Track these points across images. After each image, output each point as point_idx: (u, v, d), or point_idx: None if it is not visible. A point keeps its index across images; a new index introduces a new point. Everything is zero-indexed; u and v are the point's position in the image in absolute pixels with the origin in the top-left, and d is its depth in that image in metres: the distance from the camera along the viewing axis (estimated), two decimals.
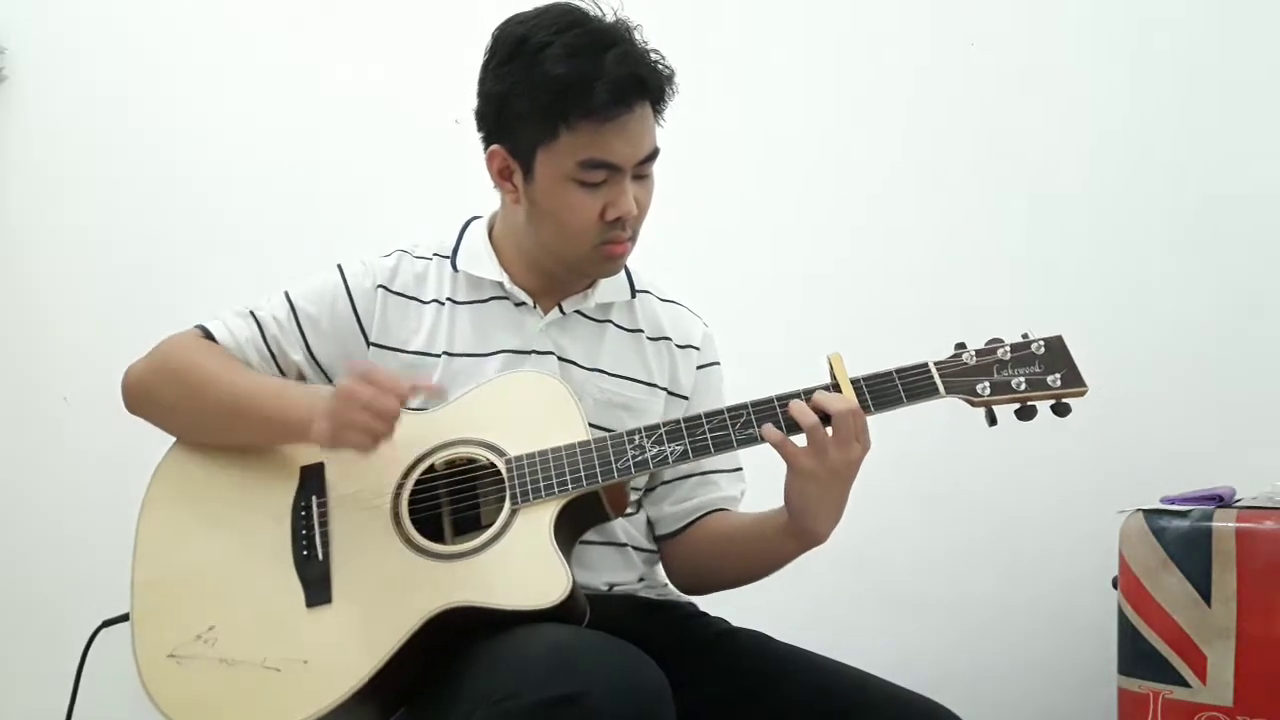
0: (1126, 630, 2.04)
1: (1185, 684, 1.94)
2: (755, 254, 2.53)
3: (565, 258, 1.52)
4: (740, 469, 1.66)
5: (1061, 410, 1.39)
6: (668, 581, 1.65)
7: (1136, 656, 2.01)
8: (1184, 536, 1.96)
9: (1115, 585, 2.08)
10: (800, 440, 1.37)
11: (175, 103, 2.48)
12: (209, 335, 1.53)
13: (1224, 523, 1.93)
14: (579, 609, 1.33)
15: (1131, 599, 2.02)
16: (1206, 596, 1.93)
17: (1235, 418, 2.44)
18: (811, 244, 2.55)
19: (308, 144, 2.48)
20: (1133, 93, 2.57)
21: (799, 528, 1.44)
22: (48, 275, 2.46)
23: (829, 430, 1.36)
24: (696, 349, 1.65)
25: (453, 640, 1.30)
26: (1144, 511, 2.03)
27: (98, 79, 2.46)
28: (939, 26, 2.59)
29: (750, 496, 1.66)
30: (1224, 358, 2.48)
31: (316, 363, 1.54)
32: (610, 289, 1.60)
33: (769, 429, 1.37)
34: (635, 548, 1.59)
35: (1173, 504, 2.01)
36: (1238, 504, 1.99)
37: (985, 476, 2.46)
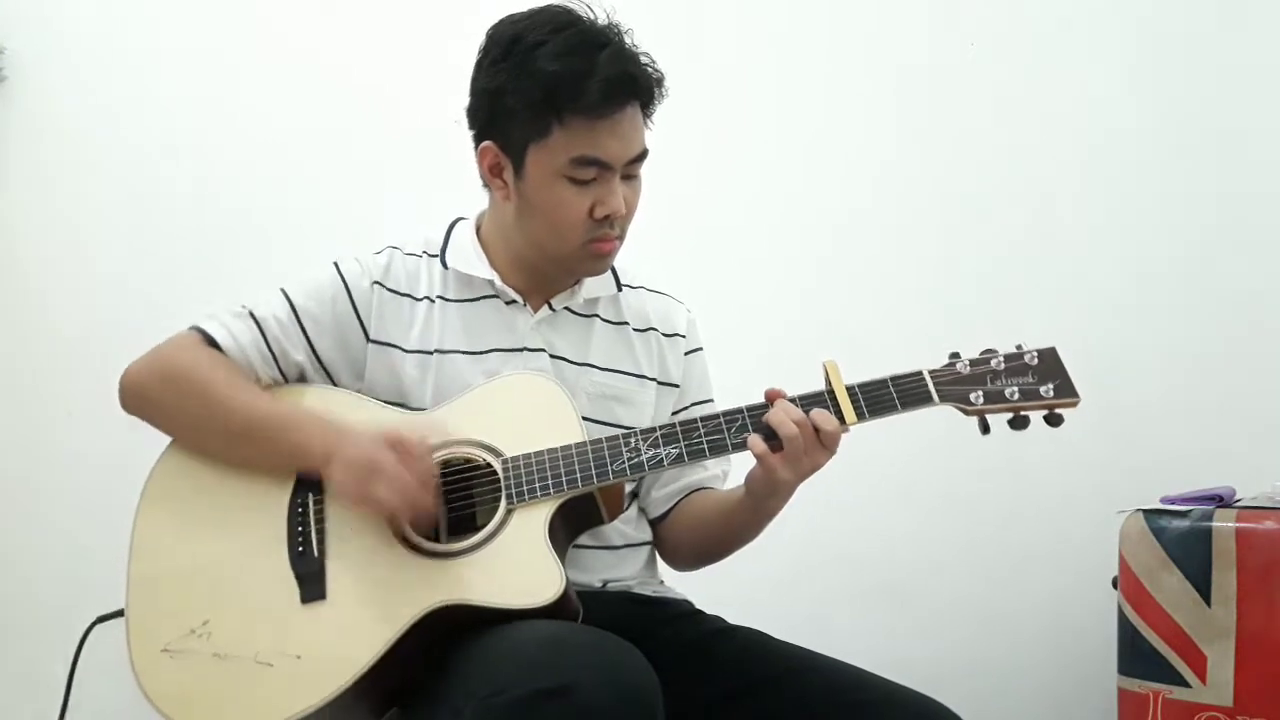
0: (1126, 630, 2.03)
1: (1185, 684, 1.94)
2: (755, 257, 2.54)
3: (554, 255, 1.52)
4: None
5: (1054, 420, 1.41)
6: (663, 579, 1.66)
7: (1136, 656, 2.01)
8: (1184, 536, 1.96)
9: (1115, 585, 2.08)
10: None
11: (175, 103, 2.48)
12: (209, 339, 1.50)
13: (1224, 523, 1.93)
14: (572, 608, 1.34)
15: (1131, 599, 2.02)
16: (1206, 596, 1.93)
17: (1235, 418, 2.44)
18: (811, 247, 2.55)
19: (308, 144, 2.48)
20: (1133, 93, 2.57)
21: (758, 507, 1.48)
22: (48, 276, 2.45)
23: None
24: (683, 336, 1.67)
25: (446, 638, 1.31)
26: (1144, 511, 2.03)
27: (98, 79, 2.46)
28: (939, 26, 2.59)
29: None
30: (1224, 358, 2.48)
31: (319, 361, 1.53)
32: (597, 284, 1.61)
33: (755, 440, 1.39)
34: (630, 545, 1.59)
35: (1173, 504, 2.01)
36: (1238, 504, 1.99)
37: (985, 477, 2.46)
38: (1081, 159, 2.57)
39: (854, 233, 2.56)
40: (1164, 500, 2.03)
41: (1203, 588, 1.94)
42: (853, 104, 2.59)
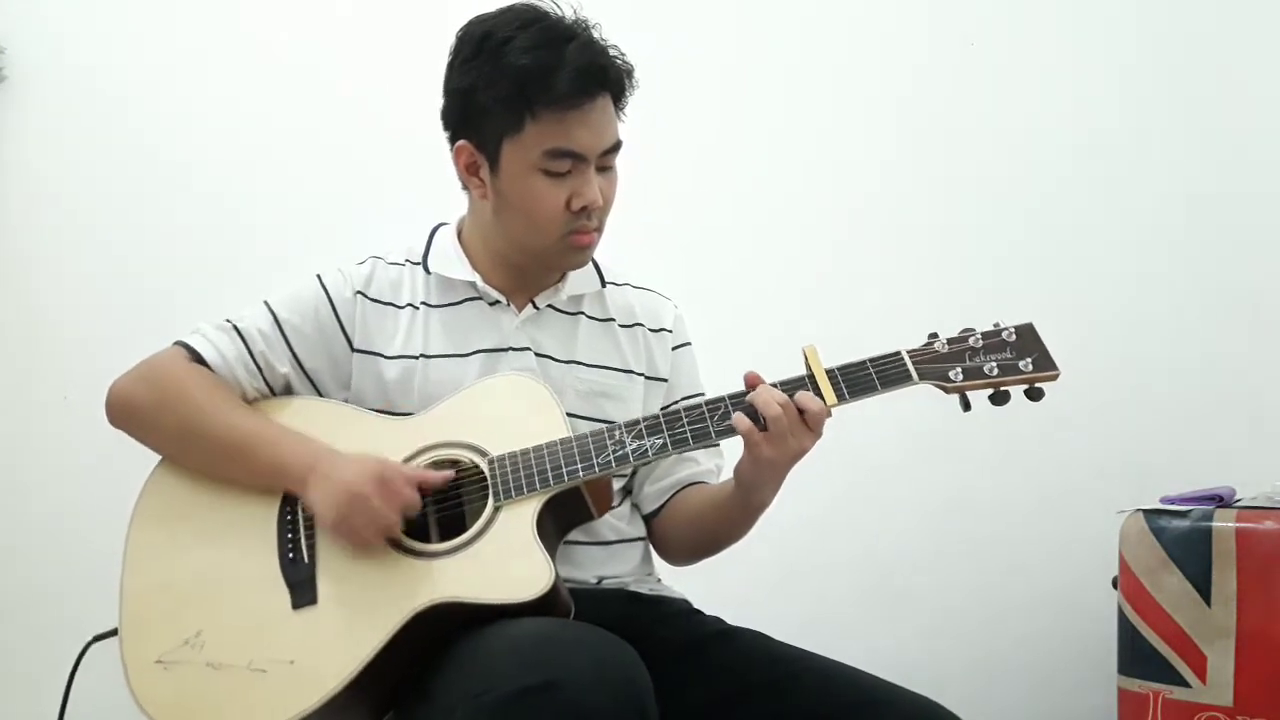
0: (1126, 630, 2.03)
1: (1185, 684, 1.94)
2: (754, 256, 2.54)
3: (533, 250, 1.53)
4: (718, 445, 1.64)
5: (1035, 395, 1.41)
6: (660, 577, 1.65)
7: (1136, 656, 2.01)
8: (1184, 536, 1.96)
9: (1115, 585, 2.08)
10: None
11: (174, 103, 2.48)
12: (195, 354, 1.51)
13: (1224, 523, 1.93)
14: (563, 603, 1.34)
15: (1131, 599, 2.02)
16: (1206, 596, 1.93)
17: (1235, 418, 2.44)
18: (809, 246, 2.55)
19: (306, 145, 2.49)
20: (1133, 92, 2.57)
21: (748, 500, 1.48)
22: (48, 275, 2.46)
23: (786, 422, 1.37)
24: (669, 331, 1.67)
25: (439, 637, 1.31)
26: (1144, 511, 2.03)
27: (98, 79, 2.46)
28: (937, 26, 2.59)
29: None
30: (1224, 358, 2.48)
31: (304, 373, 1.54)
32: (580, 281, 1.61)
33: (740, 418, 1.38)
34: (624, 540, 1.59)
35: (1173, 504, 2.01)
36: (1238, 504, 1.99)
37: (985, 477, 2.46)
38: (1081, 158, 2.57)
39: (853, 232, 2.56)
40: (1164, 500, 2.03)
41: (1203, 588, 1.93)
42: (852, 103, 2.58)
